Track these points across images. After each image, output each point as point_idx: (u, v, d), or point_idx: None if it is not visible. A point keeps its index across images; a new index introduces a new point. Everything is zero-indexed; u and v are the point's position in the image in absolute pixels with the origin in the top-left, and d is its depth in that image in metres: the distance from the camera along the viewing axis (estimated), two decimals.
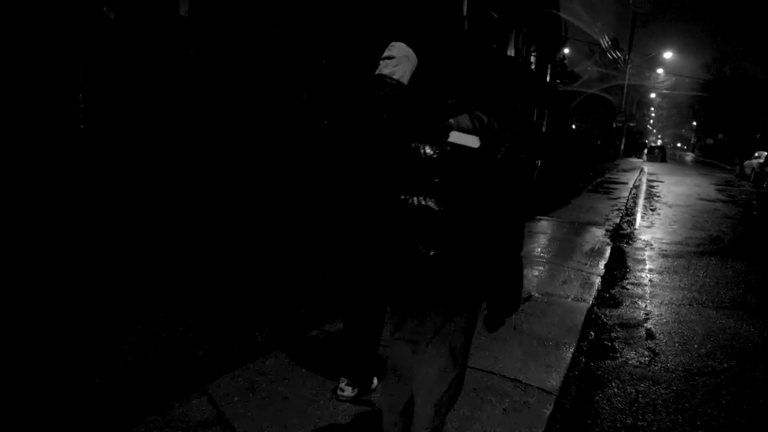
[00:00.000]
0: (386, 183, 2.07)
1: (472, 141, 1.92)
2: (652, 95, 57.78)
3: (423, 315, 2.09)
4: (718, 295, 6.04)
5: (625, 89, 33.55)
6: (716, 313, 5.42)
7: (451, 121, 1.97)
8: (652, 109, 71.26)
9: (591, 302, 5.35)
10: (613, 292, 5.99)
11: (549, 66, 29.79)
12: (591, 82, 34.27)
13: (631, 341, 4.64)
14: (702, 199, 15.88)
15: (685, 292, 6.11)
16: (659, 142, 74.28)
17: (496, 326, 2.15)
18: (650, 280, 6.57)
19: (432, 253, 1.94)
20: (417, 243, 1.96)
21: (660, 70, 40.07)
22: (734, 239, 9.66)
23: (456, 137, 1.94)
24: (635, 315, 5.29)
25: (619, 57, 32.76)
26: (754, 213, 14.18)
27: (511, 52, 23.33)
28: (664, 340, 4.67)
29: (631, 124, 40.38)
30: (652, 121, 78.06)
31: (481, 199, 1.92)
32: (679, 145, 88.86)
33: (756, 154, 28.22)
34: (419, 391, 2.15)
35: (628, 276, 6.73)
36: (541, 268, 6.55)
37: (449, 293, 2.00)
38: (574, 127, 34.18)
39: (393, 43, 2.70)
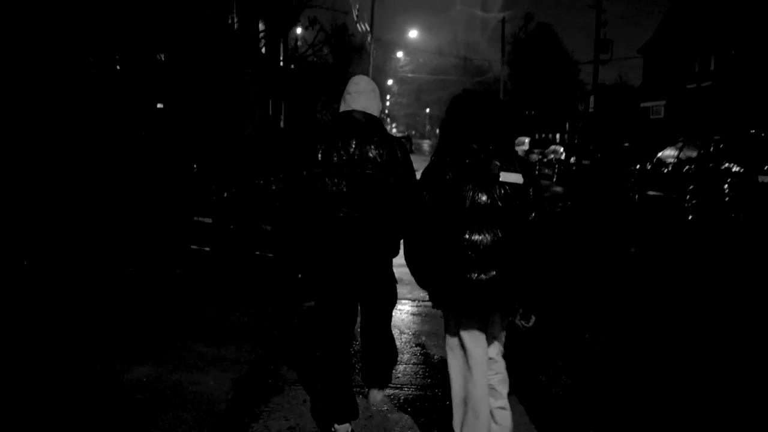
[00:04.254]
0: (438, 222, 2.34)
1: (517, 178, 2.30)
2: (390, 82, 58.28)
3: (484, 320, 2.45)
4: None
5: (370, 74, 28.50)
6: None
7: (496, 163, 2.31)
8: (388, 96, 70.21)
9: None
10: None
11: (282, 48, 23.79)
12: (331, 69, 31.32)
13: None
14: None
15: None
16: (394, 131, 72.36)
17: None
18: None
19: (495, 273, 2.27)
20: (484, 267, 2.26)
21: (400, 54, 38.81)
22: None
23: (505, 177, 2.29)
24: None
25: (367, 30, 30.01)
26: (557, 210, 12.37)
27: (234, 26, 18.53)
28: None
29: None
30: (387, 111, 74.30)
31: (532, 220, 2.34)
32: (414, 132, 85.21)
33: (517, 141, 29.12)
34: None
35: None
36: None
37: (510, 298, 2.36)
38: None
39: (358, 77, 2.77)
